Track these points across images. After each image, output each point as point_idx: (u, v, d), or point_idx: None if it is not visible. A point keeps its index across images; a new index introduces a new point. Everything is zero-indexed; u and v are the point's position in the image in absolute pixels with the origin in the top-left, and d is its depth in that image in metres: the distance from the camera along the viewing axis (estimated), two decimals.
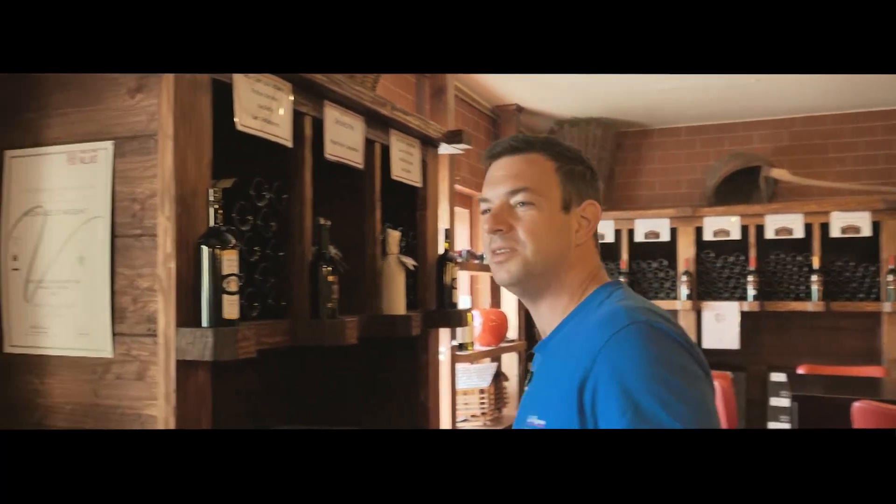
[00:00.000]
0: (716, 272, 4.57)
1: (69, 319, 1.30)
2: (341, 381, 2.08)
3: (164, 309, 1.22)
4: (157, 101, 1.24)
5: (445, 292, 2.10)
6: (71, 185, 1.31)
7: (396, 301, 1.89)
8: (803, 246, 4.35)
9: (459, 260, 3.42)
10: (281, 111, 1.47)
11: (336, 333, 1.53)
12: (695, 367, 1.00)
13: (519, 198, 1.14)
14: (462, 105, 4.17)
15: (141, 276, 1.25)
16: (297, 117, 1.55)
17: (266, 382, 1.98)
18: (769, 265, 4.47)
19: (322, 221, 1.60)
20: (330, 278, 1.57)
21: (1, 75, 1.37)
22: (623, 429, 0.94)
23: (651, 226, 4.64)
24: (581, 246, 1.18)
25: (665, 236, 4.61)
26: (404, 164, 1.98)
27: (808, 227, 4.29)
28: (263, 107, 1.42)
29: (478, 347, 3.68)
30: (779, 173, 4.64)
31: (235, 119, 1.34)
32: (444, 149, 2.23)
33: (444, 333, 2.97)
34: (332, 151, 1.65)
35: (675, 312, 4.50)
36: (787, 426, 4.14)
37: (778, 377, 4.41)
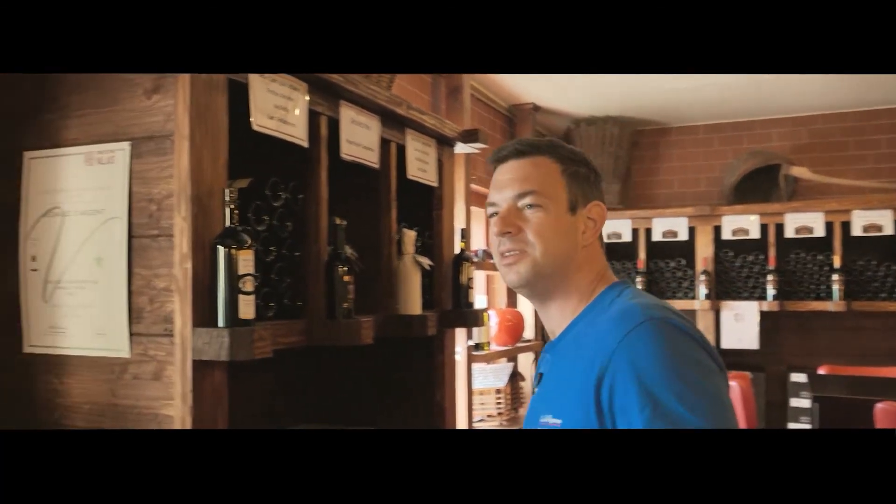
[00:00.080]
0: (735, 271, 4.53)
1: (87, 320, 1.31)
2: (357, 381, 2.07)
3: (180, 309, 1.23)
4: (173, 102, 1.25)
5: (461, 292, 2.10)
6: (89, 185, 1.32)
7: (412, 301, 1.88)
8: (824, 245, 4.29)
9: (475, 259, 3.41)
10: (297, 111, 1.47)
11: (352, 333, 1.53)
12: (709, 362, 1.03)
13: (527, 200, 1.16)
14: (478, 104, 4.16)
15: (158, 276, 1.26)
16: (313, 117, 1.55)
17: (282, 382, 1.99)
18: (789, 264, 4.42)
19: (338, 221, 1.60)
20: (346, 278, 1.57)
21: (19, 78, 1.38)
22: (642, 428, 0.95)
23: (669, 225, 4.60)
24: (588, 247, 1.19)
25: (683, 235, 4.56)
26: (420, 164, 1.98)
27: (829, 226, 4.24)
28: (279, 107, 1.42)
29: (494, 347, 3.67)
30: (799, 171, 4.58)
31: (251, 119, 1.35)
32: (460, 148, 2.22)
33: (460, 333, 2.97)
34: (347, 151, 1.65)
35: (693, 312, 4.46)
36: (808, 427, 4.09)
37: (798, 378, 4.35)
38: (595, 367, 1.02)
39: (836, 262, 4.22)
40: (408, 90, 3.23)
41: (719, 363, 1.05)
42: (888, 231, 4.11)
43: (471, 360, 3.24)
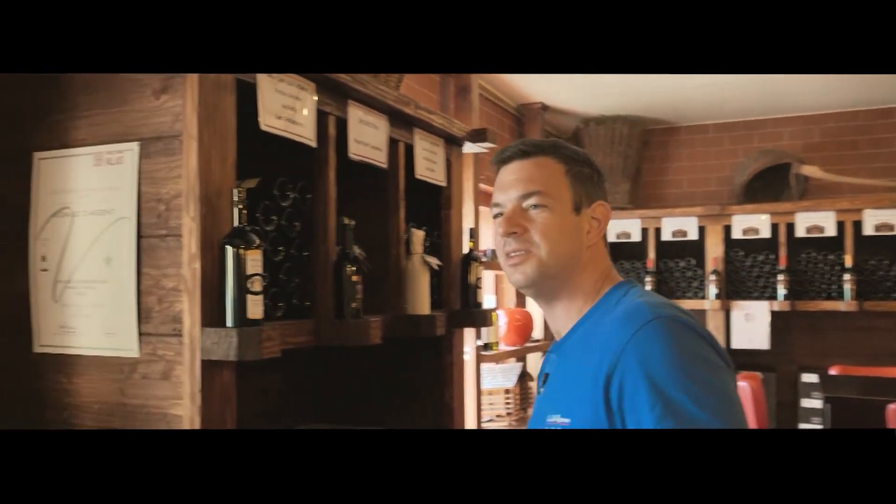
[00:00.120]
0: (745, 271, 4.50)
1: (96, 319, 1.31)
2: (365, 380, 2.07)
3: (189, 309, 1.23)
4: (181, 102, 1.25)
5: (470, 292, 2.09)
6: (98, 186, 1.32)
7: (421, 301, 1.88)
8: (835, 244, 4.27)
9: (484, 259, 3.41)
10: (305, 111, 1.47)
11: (360, 333, 1.53)
12: (717, 359, 1.04)
13: (531, 201, 1.16)
14: (486, 104, 4.15)
15: (166, 276, 1.26)
16: (321, 117, 1.55)
17: (290, 382, 1.99)
18: (800, 264, 4.39)
19: (346, 221, 1.60)
20: (354, 278, 1.57)
21: (28, 79, 1.39)
22: (652, 426, 0.96)
23: (679, 224, 4.58)
24: (592, 247, 1.19)
25: (693, 235, 4.55)
26: (428, 164, 1.97)
27: (841, 225, 4.21)
28: (287, 107, 1.42)
29: (503, 347, 3.67)
30: (809, 170, 4.55)
31: (259, 119, 1.35)
32: (469, 148, 2.22)
33: (468, 333, 2.96)
34: (356, 151, 1.65)
35: (703, 312, 4.44)
36: (819, 428, 4.06)
37: (809, 378, 4.33)
38: (604, 366, 1.03)
39: (848, 261, 4.19)
40: (416, 90, 3.23)
41: (727, 360, 1.06)
42: None
43: (479, 360, 3.24)
